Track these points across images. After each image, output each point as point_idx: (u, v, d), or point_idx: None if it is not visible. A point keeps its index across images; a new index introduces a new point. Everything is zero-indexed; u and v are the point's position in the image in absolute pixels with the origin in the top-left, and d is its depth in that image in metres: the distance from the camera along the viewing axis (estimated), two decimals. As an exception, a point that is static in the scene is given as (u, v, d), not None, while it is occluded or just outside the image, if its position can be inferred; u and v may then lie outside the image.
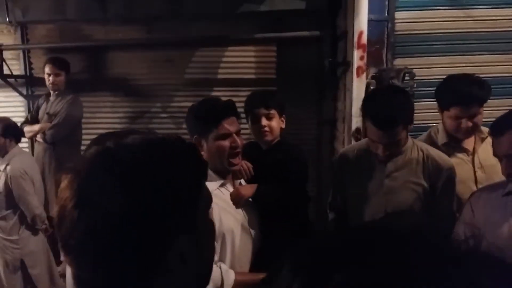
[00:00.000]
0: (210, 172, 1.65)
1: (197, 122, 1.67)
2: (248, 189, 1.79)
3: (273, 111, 2.02)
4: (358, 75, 2.97)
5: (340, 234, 0.40)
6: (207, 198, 0.70)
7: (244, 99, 2.17)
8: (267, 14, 3.39)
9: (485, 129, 1.98)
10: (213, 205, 1.57)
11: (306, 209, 2.16)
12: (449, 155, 1.96)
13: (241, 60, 3.55)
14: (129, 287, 0.59)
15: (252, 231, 1.74)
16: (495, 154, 1.59)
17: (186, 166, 0.64)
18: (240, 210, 1.73)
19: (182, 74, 3.59)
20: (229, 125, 1.65)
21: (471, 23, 3.07)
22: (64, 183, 0.60)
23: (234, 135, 1.66)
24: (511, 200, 1.58)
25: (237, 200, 1.72)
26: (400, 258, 0.34)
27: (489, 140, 1.96)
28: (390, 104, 1.72)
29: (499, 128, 1.54)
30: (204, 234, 0.68)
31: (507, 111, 1.59)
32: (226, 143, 1.64)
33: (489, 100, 1.96)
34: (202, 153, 1.66)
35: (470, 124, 1.93)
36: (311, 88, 3.51)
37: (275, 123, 2.02)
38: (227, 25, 3.45)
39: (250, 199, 1.80)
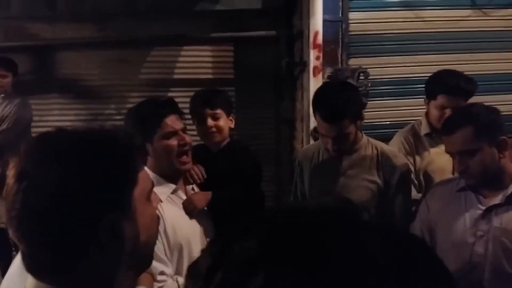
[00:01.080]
0: (158, 177, 1.58)
1: (138, 125, 1.59)
2: (202, 198, 1.74)
3: (219, 111, 1.92)
4: (314, 75, 3.01)
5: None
6: (141, 181, 0.74)
7: (202, 99, 2.13)
8: (224, 13, 3.36)
9: None
10: (166, 213, 1.54)
11: (263, 209, 2.15)
12: (430, 145, 2.09)
13: (197, 60, 3.50)
14: (68, 260, 0.65)
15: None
16: (447, 152, 1.64)
17: (114, 148, 0.71)
18: (195, 219, 1.67)
19: (137, 75, 3.49)
20: (173, 123, 1.58)
21: (421, 23, 3.19)
22: (11, 165, 0.67)
23: (180, 132, 1.60)
24: (464, 195, 1.63)
25: (190, 209, 1.66)
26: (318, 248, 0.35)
27: None
28: (336, 97, 1.75)
29: (450, 126, 1.59)
30: (137, 213, 0.72)
31: (457, 109, 1.65)
32: (173, 141, 1.58)
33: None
34: (148, 158, 1.59)
35: (444, 104, 2.03)
36: (269, 88, 3.51)
37: (222, 123, 1.93)
38: (183, 24, 3.38)
39: (205, 208, 1.74)
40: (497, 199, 1.55)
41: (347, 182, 1.87)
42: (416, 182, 2.13)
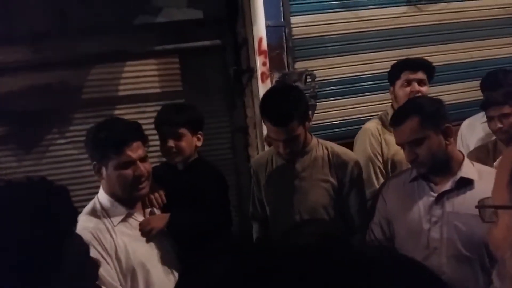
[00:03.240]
0: (113, 201, 1.53)
1: (95, 148, 1.52)
2: (159, 220, 1.67)
3: (182, 130, 1.82)
4: (263, 81, 3.01)
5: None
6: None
7: (153, 115, 2.04)
8: (166, 25, 3.29)
9: None
10: (119, 237, 1.47)
11: (229, 231, 2.00)
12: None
13: (143, 75, 3.39)
14: None
15: (172, 264, 1.60)
16: (398, 144, 1.68)
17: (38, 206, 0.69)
18: (154, 242, 1.61)
19: (79, 95, 3.33)
20: (132, 152, 1.51)
21: (360, 23, 3.27)
22: None
23: (138, 162, 1.52)
24: (416, 185, 1.68)
25: (147, 231, 1.59)
26: None
27: None
28: (282, 101, 1.75)
29: (397, 119, 1.64)
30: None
31: (405, 101, 1.69)
32: (128, 172, 1.51)
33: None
34: (103, 181, 1.52)
35: (418, 88, 2.19)
36: (220, 98, 3.47)
37: (184, 144, 1.83)
38: (123, 38, 3.28)
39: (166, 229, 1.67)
40: (448, 185, 1.60)
41: (302, 184, 1.87)
42: (384, 172, 2.19)
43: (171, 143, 1.81)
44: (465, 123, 2.74)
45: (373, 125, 2.28)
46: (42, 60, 3.20)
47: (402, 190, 1.73)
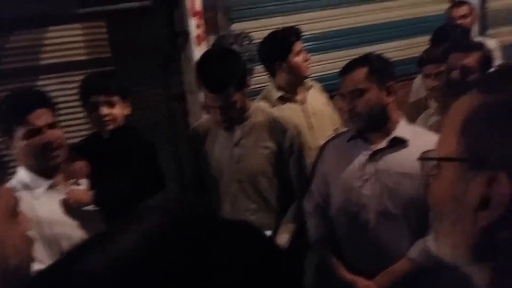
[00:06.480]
0: (31, 175, 1.45)
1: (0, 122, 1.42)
2: (83, 194, 1.59)
3: (115, 98, 1.78)
4: (198, 44, 2.88)
5: None
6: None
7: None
8: (89, -14, 3.02)
9: (307, 81, 2.35)
10: (42, 211, 1.38)
11: (163, 189, 2.01)
12: (284, 107, 2.19)
13: (67, 41, 3.13)
14: None
15: None
16: (340, 94, 1.68)
17: None
18: (80, 216, 1.53)
19: (-4, 65, 3.03)
20: (36, 119, 1.42)
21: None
22: None
23: (44, 129, 1.44)
24: (353, 144, 1.70)
25: (70, 205, 1.52)
26: None
27: (313, 90, 2.37)
28: (218, 66, 1.70)
29: (347, 67, 1.66)
30: None
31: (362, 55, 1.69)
32: (35, 140, 1.42)
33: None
34: (16, 155, 1.43)
35: (307, 57, 2.26)
36: (154, 63, 3.29)
37: (118, 111, 1.79)
38: (43, 1, 2.98)
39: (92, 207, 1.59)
40: (382, 144, 1.63)
41: (242, 152, 1.84)
42: None
43: (104, 111, 1.76)
44: (418, 79, 2.73)
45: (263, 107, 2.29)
46: None
47: (339, 150, 1.75)
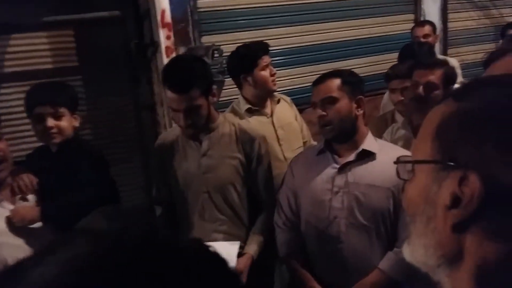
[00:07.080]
0: None
1: None
2: (30, 210, 1.53)
3: (62, 109, 1.73)
4: (167, 55, 2.87)
5: None
6: None
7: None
8: (58, -5, 2.96)
9: (276, 94, 2.38)
10: None
11: (117, 202, 1.96)
12: (252, 119, 2.21)
13: (32, 49, 3.05)
14: None
15: None
16: (312, 102, 1.71)
17: None
18: (27, 233, 1.47)
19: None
20: None
21: (268, -3, 3.25)
22: None
23: None
24: (323, 157, 1.72)
25: (16, 222, 1.46)
26: None
27: (282, 103, 2.40)
28: (183, 67, 1.71)
29: (321, 78, 1.71)
30: None
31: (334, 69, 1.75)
32: None
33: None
34: None
35: (273, 71, 2.26)
36: (123, 73, 3.25)
37: (65, 123, 1.74)
38: (10, 9, 2.89)
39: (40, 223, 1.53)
40: (351, 157, 1.66)
41: (210, 162, 1.83)
42: None
43: (51, 123, 1.71)
44: (386, 94, 2.81)
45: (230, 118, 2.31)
46: None
47: (309, 163, 1.77)
